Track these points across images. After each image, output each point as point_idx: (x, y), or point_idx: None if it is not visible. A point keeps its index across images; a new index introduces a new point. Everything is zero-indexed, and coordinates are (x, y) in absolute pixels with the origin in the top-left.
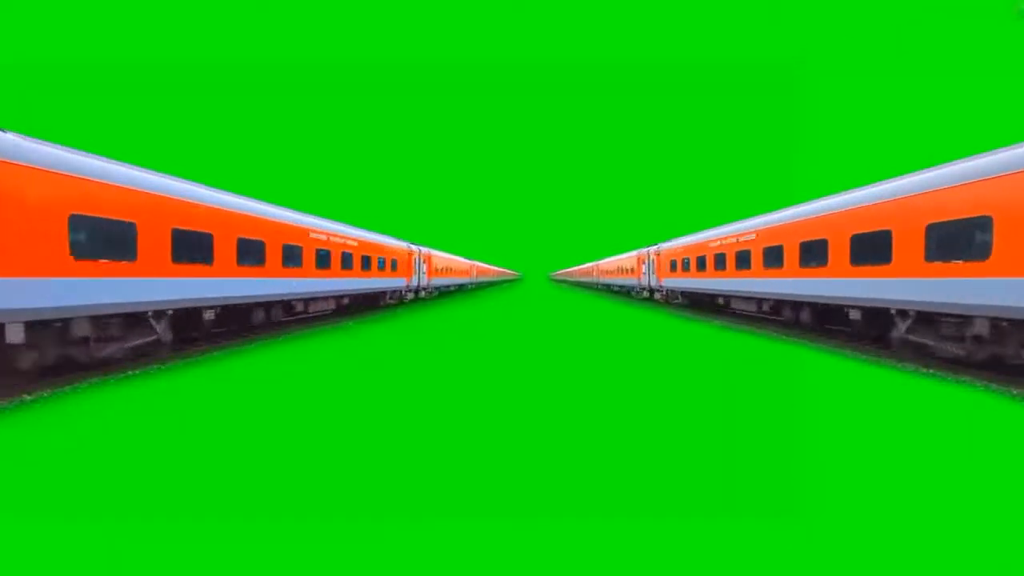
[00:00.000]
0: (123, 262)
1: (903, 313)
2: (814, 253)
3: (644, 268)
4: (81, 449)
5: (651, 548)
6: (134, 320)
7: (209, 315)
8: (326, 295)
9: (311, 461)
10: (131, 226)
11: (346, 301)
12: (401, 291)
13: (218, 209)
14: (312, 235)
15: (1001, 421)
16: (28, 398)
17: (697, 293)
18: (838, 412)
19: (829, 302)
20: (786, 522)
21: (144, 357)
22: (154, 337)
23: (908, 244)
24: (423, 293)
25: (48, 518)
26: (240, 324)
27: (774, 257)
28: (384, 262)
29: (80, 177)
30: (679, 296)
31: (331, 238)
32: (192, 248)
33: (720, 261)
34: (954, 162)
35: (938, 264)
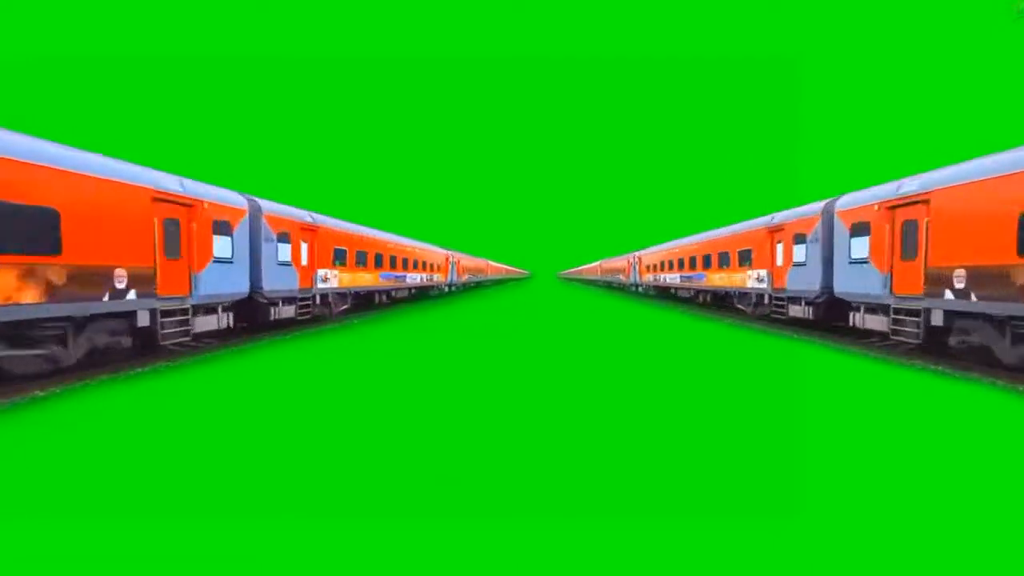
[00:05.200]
0: (341, 267)
1: (733, 294)
2: (707, 262)
3: (632, 268)
4: (89, 446)
5: (651, 548)
6: (341, 297)
7: (362, 293)
8: (406, 288)
9: (323, 451)
10: (345, 250)
11: (413, 292)
12: (440, 286)
13: (368, 237)
14: (400, 246)
15: (1008, 419)
16: (40, 394)
17: (659, 287)
18: (835, 408)
19: (712, 290)
20: (786, 523)
21: (149, 357)
22: (347, 306)
23: (733, 258)
24: (453, 288)
25: (51, 516)
26: (368, 303)
27: (692, 263)
28: (433, 265)
29: (333, 228)
30: (651, 289)
31: (405, 248)
32: (360, 260)
33: (670, 265)
34: (745, 221)
35: (741, 268)
